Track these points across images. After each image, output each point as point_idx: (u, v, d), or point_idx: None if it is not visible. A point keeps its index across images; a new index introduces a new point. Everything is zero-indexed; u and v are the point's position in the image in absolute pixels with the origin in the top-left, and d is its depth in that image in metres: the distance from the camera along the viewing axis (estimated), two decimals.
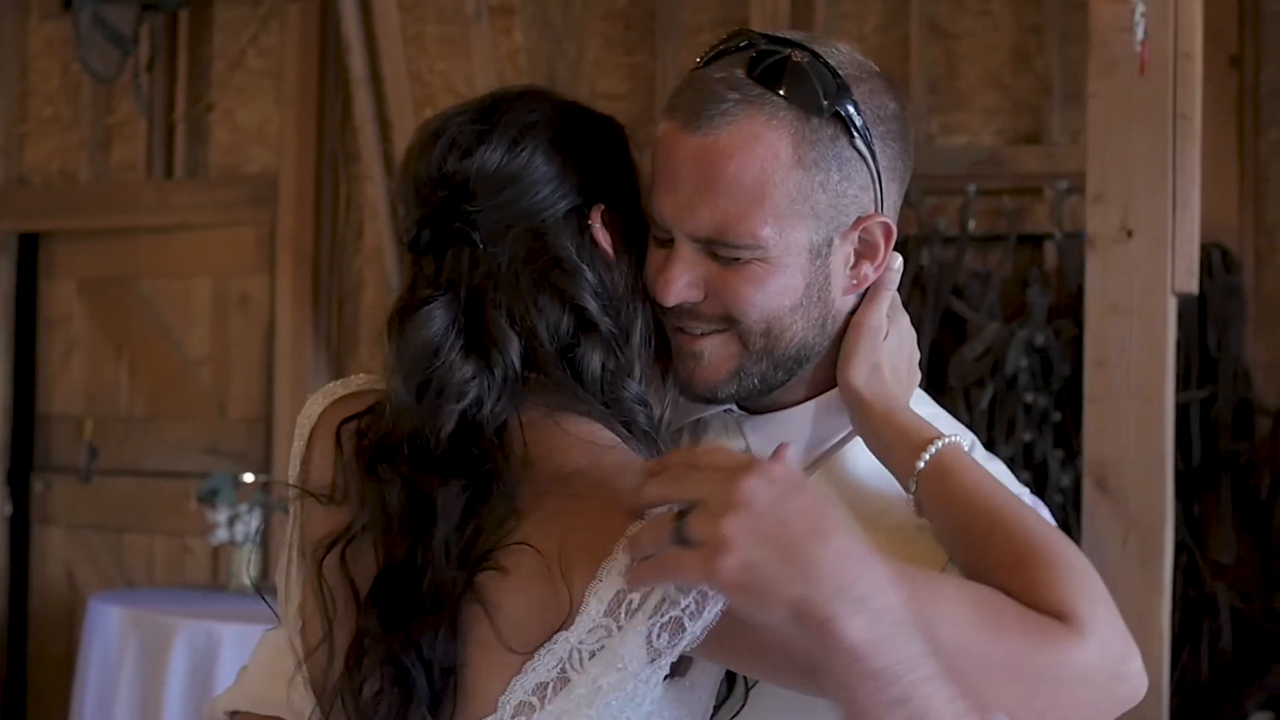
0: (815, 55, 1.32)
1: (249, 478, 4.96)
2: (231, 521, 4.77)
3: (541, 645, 1.22)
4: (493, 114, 1.37)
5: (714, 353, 1.37)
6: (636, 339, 1.34)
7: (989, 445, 4.25)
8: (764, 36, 1.35)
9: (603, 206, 1.34)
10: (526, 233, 1.32)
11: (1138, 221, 2.91)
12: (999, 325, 4.32)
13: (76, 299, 6.06)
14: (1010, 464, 4.37)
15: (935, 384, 4.44)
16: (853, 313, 1.41)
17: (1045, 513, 1.38)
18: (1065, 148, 4.45)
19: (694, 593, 1.18)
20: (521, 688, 1.23)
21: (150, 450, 5.84)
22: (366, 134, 5.17)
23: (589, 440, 1.30)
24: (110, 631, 4.58)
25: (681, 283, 1.34)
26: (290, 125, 5.50)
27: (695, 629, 1.19)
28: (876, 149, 1.33)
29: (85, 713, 4.66)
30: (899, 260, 1.41)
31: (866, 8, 4.73)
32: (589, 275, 1.32)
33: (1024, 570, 1.27)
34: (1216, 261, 4.21)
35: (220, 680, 4.07)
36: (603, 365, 1.32)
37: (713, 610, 1.18)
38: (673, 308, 1.35)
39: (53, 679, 5.57)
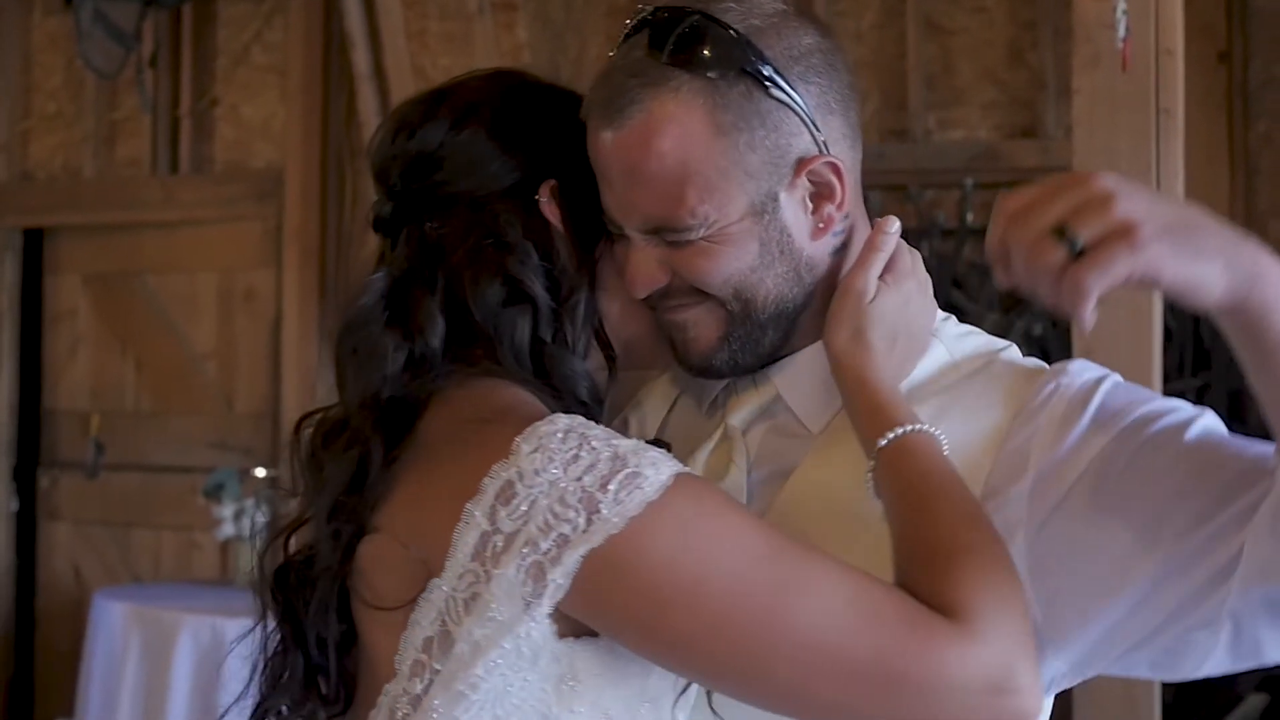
0: (707, 16, 1.29)
1: (261, 472, 5.00)
2: (237, 516, 4.81)
3: (419, 596, 1.23)
4: (443, 95, 1.39)
5: (698, 322, 1.36)
6: (579, 312, 1.34)
7: None
8: (662, 9, 1.32)
9: (554, 182, 1.34)
10: (469, 209, 1.34)
11: None
12: (998, 316, 4.37)
13: (82, 294, 6.09)
14: None
15: None
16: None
17: (1211, 419, 1.32)
18: (1060, 141, 4.49)
19: (553, 535, 1.18)
20: (411, 645, 1.23)
21: (156, 445, 5.88)
22: (371, 129, 5.17)
23: (484, 397, 1.30)
24: (114, 627, 4.62)
25: (643, 273, 1.34)
26: (295, 120, 5.53)
27: (557, 576, 1.18)
28: (799, 90, 1.30)
29: (90, 708, 4.69)
30: (895, 224, 1.38)
31: (864, 5, 4.78)
32: (528, 249, 1.33)
33: (936, 565, 1.21)
34: None
35: (225, 676, 4.08)
36: (536, 337, 1.32)
37: (573, 556, 1.18)
38: (658, 296, 1.37)
39: (59, 674, 5.60)
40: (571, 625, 1.22)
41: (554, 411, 1.26)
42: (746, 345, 1.37)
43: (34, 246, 6.19)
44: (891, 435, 1.27)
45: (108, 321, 6.03)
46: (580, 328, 1.34)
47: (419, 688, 1.23)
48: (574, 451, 1.19)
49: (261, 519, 4.75)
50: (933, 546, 1.22)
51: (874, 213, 4.46)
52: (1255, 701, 3.97)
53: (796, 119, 1.30)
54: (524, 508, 1.18)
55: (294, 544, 1.38)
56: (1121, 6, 2.87)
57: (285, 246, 5.51)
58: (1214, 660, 1.28)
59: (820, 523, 1.32)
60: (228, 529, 4.81)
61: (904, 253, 1.40)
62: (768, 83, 1.28)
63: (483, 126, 1.35)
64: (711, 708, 1.30)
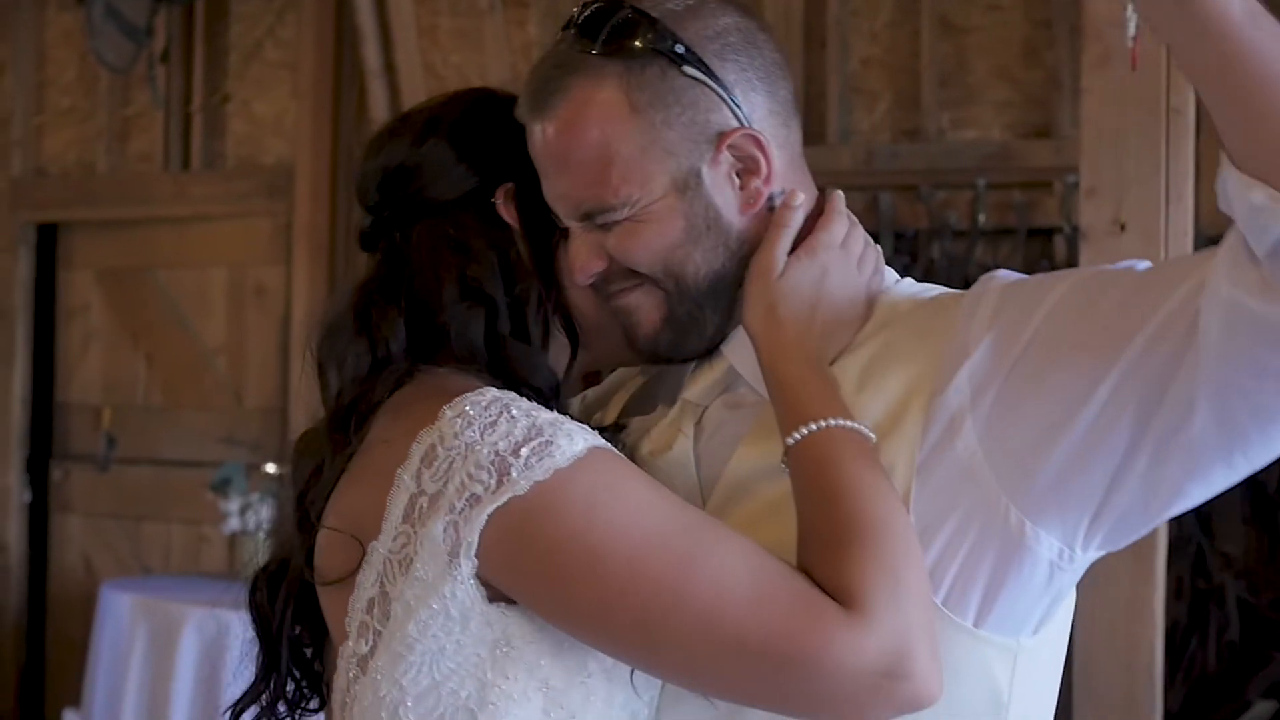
0: (623, 4, 1.34)
1: (271, 468, 5.01)
2: (243, 510, 4.82)
3: (361, 560, 1.28)
4: (408, 115, 1.48)
5: (640, 306, 1.39)
6: (534, 305, 1.39)
7: None
8: (590, 3, 1.37)
9: (510, 186, 1.40)
10: (431, 216, 1.40)
11: (1130, 215, 2.94)
12: None
13: (94, 289, 6.10)
14: None
15: None
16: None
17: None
18: (1074, 141, 4.46)
19: (467, 495, 1.23)
20: (357, 607, 1.29)
21: (167, 439, 5.89)
22: (381, 125, 5.20)
23: (431, 385, 1.35)
24: (121, 618, 4.64)
25: (582, 259, 1.38)
26: (306, 117, 5.53)
27: (469, 535, 1.23)
28: (714, 67, 1.33)
29: (96, 699, 4.72)
30: (799, 197, 1.38)
31: (878, 4, 4.75)
32: (483, 250, 1.39)
33: (836, 549, 1.23)
34: None
35: (229, 668, 4.10)
36: (494, 333, 1.37)
37: (481, 515, 1.22)
38: (601, 282, 1.40)
39: (70, 665, 5.62)
40: (501, 590, 1.26)
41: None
42: (689, 325, 1.39)
43: (47, 241, 6.20)
44: (805, 430, 1.29)
45: (120, 316, 6.05)
46: (535, 320, 1.39)
47: (365, 648, 1.29)
48: (493, 419, 1.25)
49: (268, 514, 4.77)
50: (833, 533, 1.23)
51: (887, 213, 4.44)
52: (1263, 708, 3.95)
53: (714, 95, 1.33)
54: (444, 469, 1.24)
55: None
56: (1131, 5, 2.86)
57: (295, 242, 5.51)
58: (1206, 461, 1.24)
59: (762, 488, 1.33)
60: (234, 523, 4.83)
61: (831, 224, 1.40)
62: (681, 61, 1.32)
63: (442, 138, 1.42)
64: (630, 679, 1.31)
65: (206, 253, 5.85)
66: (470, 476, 1.23)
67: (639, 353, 1.43)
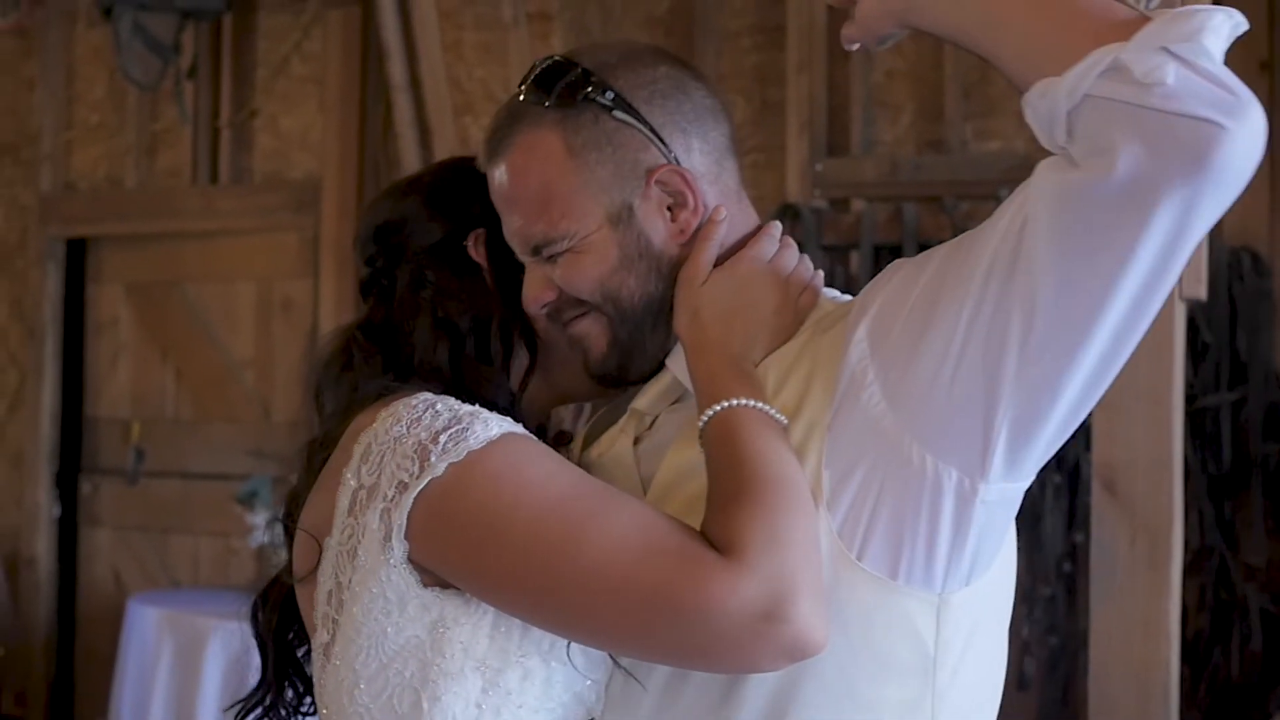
0: (566, 59, 1.51)
1: None
2: (270, 523, 4.84)
3: (320, 557, 1.42)
4: (398, 181, 1.70)
5: (589, 332, 1.54)
6: (495, 331, 1.56)
7: None
8: (542, 60, 1.53)
9: (481, 231, 1.58)
10: (411, 260, 1.60)
11: None
12: None
13: (123, 303, 6.15)
14: (1043, 469, 4.43)
15: None
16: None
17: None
18: None
19: (395, 483, 1.36)
20: (320, 600, 1.42)
21: (195, 453, 5.93)
22: (407, 140, 5.23)
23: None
24: (147, 632, 4.67)
25: (533, 290, 1.54)
26: (333, 131, 5.58)
27: (399, 519, 1.35)
28: (643, 112, 1.48)
29: (123, 712, 4.75)
30: (723, 213, 1.51)
31: None
32: (451, 286, 1.57)
33: (725, 507, 1.33)
34: (1247, 265, 4.23)
35: (254, 681, 4.12)
36: (459, 357, 1.54)
37: (408, 499, 1.35)
38: (549, 313, 1.55)
39: (99, 678, 5.65)
40: (435, 574, 1.38)
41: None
42: (631, 347, 1.53)
43: (77, 256, 6.25)
44: (714, 410, 1.41)
45: (148, 330, 6.09)
46: (497, 343, 1.56)
47: (327, 637, 1.42)
48: (419, 414, 1.39)
49: None
50: (726, 494, 1.35)
51: (911, 224, 4.45)
52: None
53: (642, 136, 1.48)
54: (378, 462, 1.38)
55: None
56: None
57: (322, 256, 5.55)
58: (1069, 349, 1.35)
59: (690, 483, 1.44)
60: (260, 536, 4.86)
61: (758, 243, 1.53)
62: (612, 107, 1.48)
63: (419, 195, 1.62)
64: (568, 656, 1.42)
65: (234, 267, 5.89)
66: (399, 466, 1.37)
67: (593, 378, 1.57)
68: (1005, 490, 1.40)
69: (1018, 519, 4.47)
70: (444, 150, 5.02)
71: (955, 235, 4.64)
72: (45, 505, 6.14)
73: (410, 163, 5.22)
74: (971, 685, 1.46)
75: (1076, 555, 4.19)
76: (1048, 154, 4.51)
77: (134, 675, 4.71)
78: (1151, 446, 2.91)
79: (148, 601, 4.87)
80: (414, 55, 5.12)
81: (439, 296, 1.57)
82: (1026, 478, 1.42)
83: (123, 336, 6.15)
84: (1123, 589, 2.84)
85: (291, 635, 1.59)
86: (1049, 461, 4.30)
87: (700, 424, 1.42)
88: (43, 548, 6.13)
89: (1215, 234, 4.22)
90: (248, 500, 4.95)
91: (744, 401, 1.41)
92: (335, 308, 5.46)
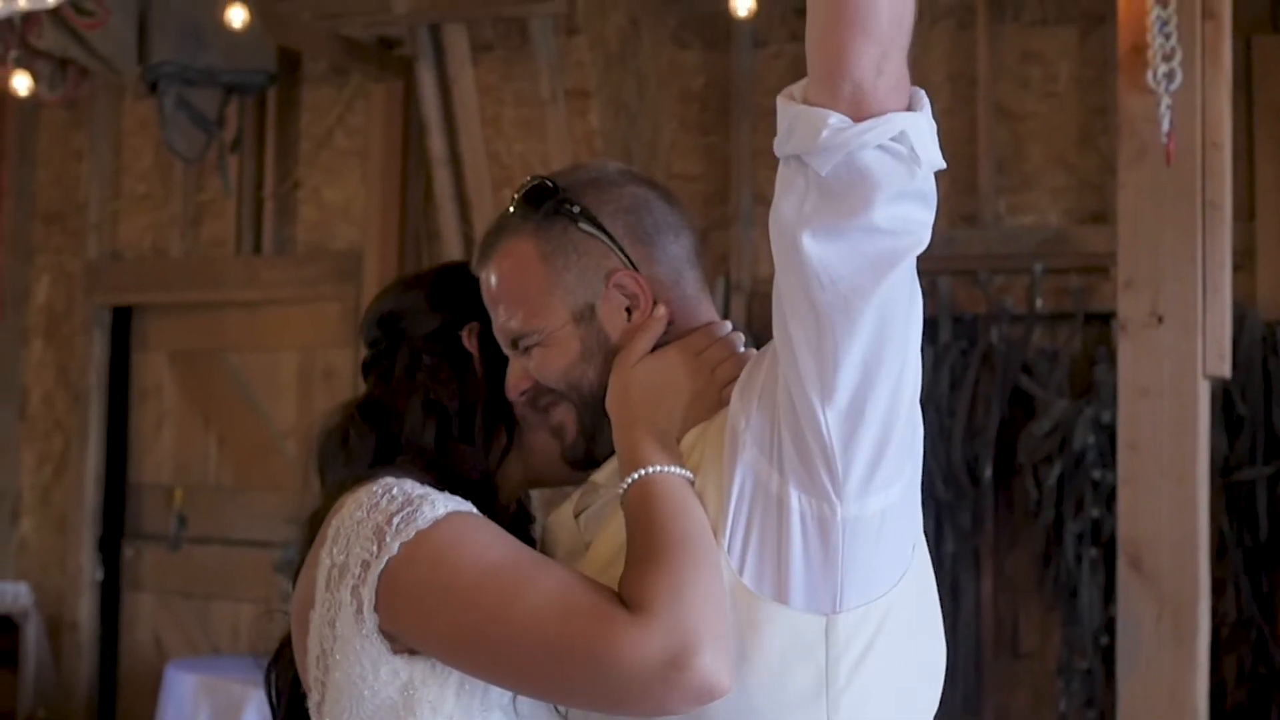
0: (544, 179, 1.70)
1: None
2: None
3: (308, 627, 1.57)
4: (404, 277, 1.87)
5: (563, 420, 1.70)
6: (478, 414, 1.73)
7: (1058, 521, 4.36)
8: (531, 179, 1.72)
9: (476, 325, 1.75)
10: (409, 347, 1.77)
11: (1168, 307, 2.99)
12: (1067, 402, 4.38)
13: (167, 371, 6.24)
14: (1078, 540, 4.48)
15: (1004, 461, 4.51)
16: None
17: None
18: None
19: (360, 562, 1.51)
20: (311, 665, 1.57)
21: (237, 519, 6.00)
22: (447, 212, 5.31)
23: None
24: (184, 697, 4.72)
25: (513, 379, 1.71)
26: (375, 203, 5.66)
27: (366, 595, 1.51)
28: (606, 225, 1.66)
29: None
30: (661, 310, 1.67)
31: (935, 90, 4.82)
32: (442, 371, 1.74)
33: (636, 566, 1.49)
34: None
35: None
36: (445, 436, 1.71)
37: (372, 576, 1.51)
38: (531, 399, 1.71)
39: None
40: (403, 641, 1.53)
41: (435, 489, 1.61)
42: (595, 432, 1.69)
43: (122, 324, 6.35)
44: (632, 477, 1.57)
45: (192, 398, 6.17)
46: (479, 426, 1.73)
47: (317, 698, 1.58)
48: (377, 499, 1.55)
49: None
50: (639, 555, 1.50)
51: (946, 297, 4.47)
52: None
53: (604, 246, 1.67)
54: (345, 544, 1.54)
55: None
56: (1165, 102, 2.92)
57: None
58: (810, 331, 1.49)
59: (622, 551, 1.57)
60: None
61: (693, 337, 1.69)
62: (579, 219, 1.66)
63: (422, 289, 1.80)
64: (514, 708, 1.57)
65: (277, 336, 5.97)
66: (362, 547, 1.53)
67: (570, 463, 1.73)
68: (865, 507, 1.52)
69: (1054, 591, 4.45)
70: (482, 223, 5.08)
71: (989, 309, 4.69)
72: (88, 569, 6.21)
73: (450, 234, 5.30)
74: (874, 708, 1.55)
75: (1113, 629, 4.20)
76: (1080, 225, 4.51)
77: None
78: (1177, 523, 2.94)
79: (186, 667, 4.92)
80: (454, 130, 5.20)
81: (431, 380, 1.74)
82: (880, 493, 1.52)
83: (166, 403, 6.23)
84: (1149, 665, 2.87)
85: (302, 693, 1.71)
86: (1084, 535, 4.29)
87: (621, 490, 1.57)
88: (85, 611, 6.19)
89: (1249, 309, 4.25)
90: (285, 569, 4.99)
91: (659, 468, 1.56)
92: None
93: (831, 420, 1.47)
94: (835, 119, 1.39)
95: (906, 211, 1.43)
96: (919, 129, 1.41)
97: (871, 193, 1.41)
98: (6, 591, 6.11)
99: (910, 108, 1.43)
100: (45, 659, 6.12)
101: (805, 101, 1.42)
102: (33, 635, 6.06)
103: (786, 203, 1.44)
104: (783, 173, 1.46)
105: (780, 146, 1.45)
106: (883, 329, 1.46)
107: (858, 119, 1.39)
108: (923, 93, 1.45)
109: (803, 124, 1.41)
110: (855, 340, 1.45)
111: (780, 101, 1.46)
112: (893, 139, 1.40)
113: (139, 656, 6.15)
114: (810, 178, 1.42)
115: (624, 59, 5.12)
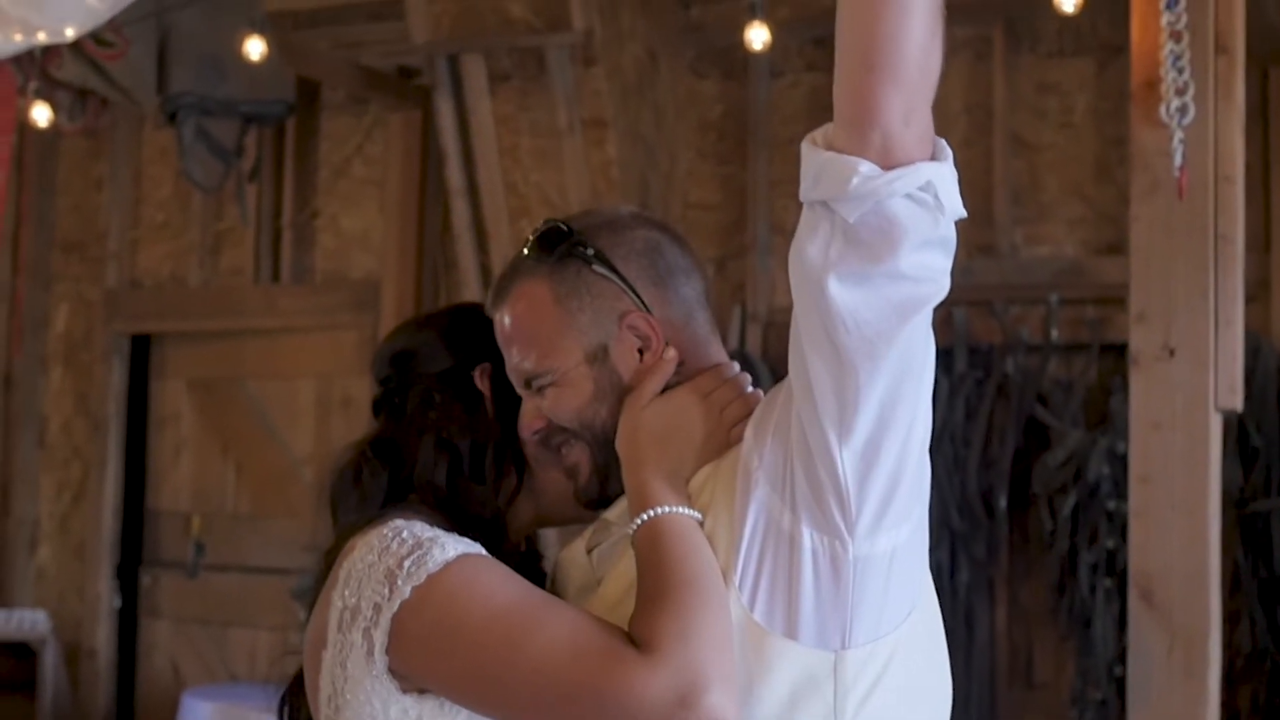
0: (559, 222, 1.73)
1: None
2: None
3: (320, 666, 1.60)
4: (417, 315, 1.91)
5: (578, 460, 1.73)
6: (490, 453, 1.76)
7: (1072, 551, 4.36)
8: (546, 222, 1.74)
9: (488, 365, 1.78)
10: (421, 386, 1.79)
11: (1180, 340, 2.99)
12: (1082, 433, 4.38)
13: (186, 399, 6.26)
14: (1093, 570, 4.48)
15: (1019, 491, 4.51)
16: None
17: None
18: None
19: (372, 605, 1.54)
20: (323, 704, 1.60)
21: (255, 547, 6.01)
22: (464, 242, 5.33)
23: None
24: None
25: (527, 418, 1.74)
26: (393, 232, 5.68)
27: (379, 637, 1.54)
28: (619, 267, 1.70)
29: None
30: (671, 352, 1.69)
31: (951, 122, 4.84)
32: (459, 412, 1.77)
33: (646, 606, 1.52)
34: None
35: None
36: (456, 475, 1.74)
37: (385, 619, 1.53)
38: (544, 439, 1.73)
39: None
40: (414, 681, 1.56)
41: (445, 529, 1.63)
42: (608, 471, 1.71)
43: (141, 352, 6.38)
44: (642, 518, 1.59)
45: (210, 425, 6.19)
46: (490, 465, 1.76)
47: None
48: (388, 542, 1.58)
49: None
50: (647, 595, 1.53)
51: (961, 327, 4.47)
52: None
53: (617, 288, 1.70)
54: (356, 587, 1.57)
55: None
56: (1178, 136, 2.93)
57: None
58: (839, 380, 1.50)
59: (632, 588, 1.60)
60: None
61: (703, 380, 1.71)
62: (592, 262, 1.69)
63: (436, 329, 1.84)
64: None
65: (295, 364, 6.00)
66: (373, 590, 1.55)
67: (581, 502, 1.75)
68: (875, 546, 1.54)
69: (1068, 621, 4.45)
70: (499, 252, 5.11)
71: (1005, 339, 4.68)
72: (106, 597, 6.23)
73: (467, 264, 5.32)
74: None
75: (1128, 659, 4.19)
76: (1096, 256, 4.53)
77: None
78: (1188, 556, 2.95)
79: (203, 695, 4.94)
80: (472, 160, 5.22)
81: (443, 419, 1.76)
82: (890, 532, 1.54)
83: (184, 431, 6.26)
84: (1160, 698, 2.87)
85: None
86: (1099, 565, 4.29)
87: (630, 531, 1.60)
88: (103, 639, 6.21)
89: (1263, 341, 4.25)
90: (301, 596, 5.00)
91: (667, 509, 1.59)
92: None
93: (848, 460, 1.50)
94: (865, 167, 1.41)
95: (930, 259, 1.45)
96: (944, 178, 1.44)
97: (898, 240, 1.42)
98: (25, 619, 6.13)
99: (934, 157, 1.44)
100: (63, 687, 6.13)
101: (832, 148, 1.44)
102: (50, 663, 6.07)
103: (812, 247, 1.46)
104: (807, 217, 1.47)
105: (806, 192, 1.46)
106: (902, 372, 1.48)
107: (886, 167, 1.41)
108: (944, 142, 1.47)
109: (832, 171, 1.43)
110: (876, 383, 1.47)
111: (805, 147, 1.47)
112: (920, 188, 1.42)
113: (156, 684, 6.16)
114: (836, 223, 1.44)
115: (641, 89, 5.14)
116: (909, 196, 1.42)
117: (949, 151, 1.47)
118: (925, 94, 1.44)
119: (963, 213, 1.47)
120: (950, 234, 1.46)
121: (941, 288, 1.47)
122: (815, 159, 1.45)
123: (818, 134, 1.47)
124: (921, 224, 1.43)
